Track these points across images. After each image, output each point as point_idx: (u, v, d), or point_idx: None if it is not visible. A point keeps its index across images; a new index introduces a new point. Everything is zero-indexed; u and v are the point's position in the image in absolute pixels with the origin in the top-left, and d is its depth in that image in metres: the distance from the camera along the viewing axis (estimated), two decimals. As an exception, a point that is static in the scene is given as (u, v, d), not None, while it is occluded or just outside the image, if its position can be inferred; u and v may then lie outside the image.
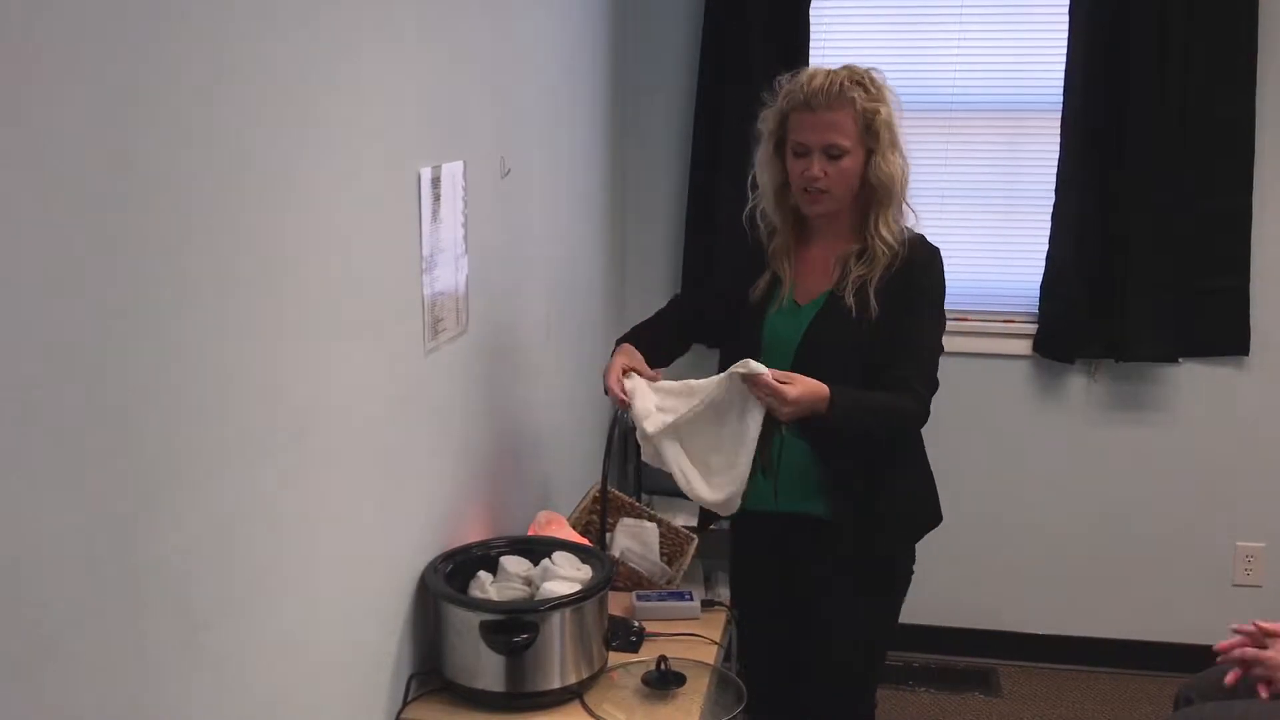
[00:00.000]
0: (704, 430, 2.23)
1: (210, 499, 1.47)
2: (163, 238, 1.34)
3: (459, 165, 2.26)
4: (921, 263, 2.31)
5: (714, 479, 2.23)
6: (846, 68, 2.29)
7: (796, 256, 2.40)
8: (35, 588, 1.17)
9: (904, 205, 2.32)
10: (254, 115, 1.53)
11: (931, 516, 2.53)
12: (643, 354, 2.36)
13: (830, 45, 3.69)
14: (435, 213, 2.15)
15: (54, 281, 1.17)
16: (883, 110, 2.26)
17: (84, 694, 1.26)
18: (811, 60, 3.61)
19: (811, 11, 3.62)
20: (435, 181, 2.15)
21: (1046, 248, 3.66)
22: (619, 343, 2.43)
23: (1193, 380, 3.68)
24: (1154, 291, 3.56)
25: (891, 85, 2.32)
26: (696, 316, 2.55)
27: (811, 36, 3.63)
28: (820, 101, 2.24)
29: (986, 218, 3.79)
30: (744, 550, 2.60)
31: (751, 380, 2.14)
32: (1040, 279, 3.69)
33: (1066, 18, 3.52)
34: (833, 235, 2.36)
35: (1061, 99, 3.56)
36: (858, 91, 2.25)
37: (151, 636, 1.36)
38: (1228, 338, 3.62)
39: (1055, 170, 3.61)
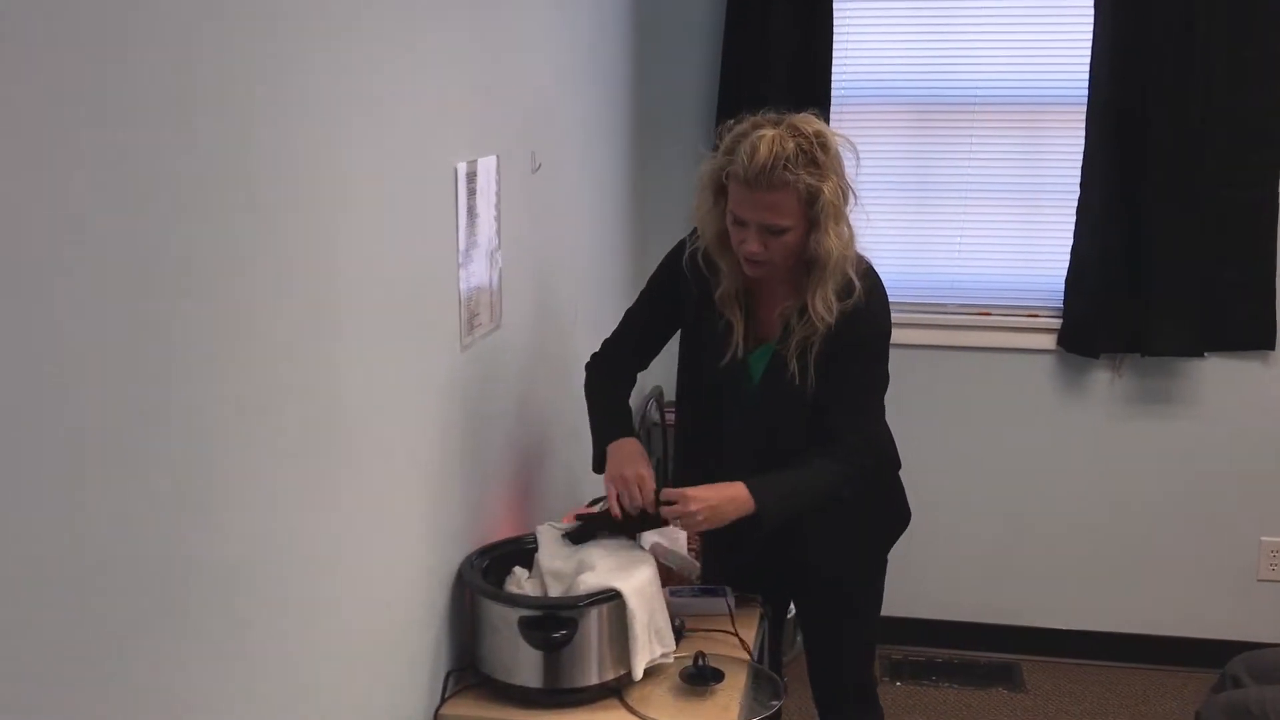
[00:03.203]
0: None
1: (261, 498, 1.47)
2: (212, 242, 1.34)
3: (493, 160, 2.25)
4: (858, 315, 2.18)
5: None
6: (794, 132, 2.09)
7: (752, 298, 2.29)
8: (95, 590, 1.17)
9: (850, 270, 2.16)
10: (298, 115, 1.52)
11: (900, 522, 2.50)
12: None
13: (853, 40, 3.68)
14: (471, 208, 2.15)
15: (106, 286, 1.16)
16: (827, 189, 2.08)
17: (140, 692, 1.25)
18: (835, 53, 3.60)
19: (835, 6, 3.61)
20: (471, 176, 2.14)
21: (1071, 242, 3.65)
22: (610, 432, 2.33)
23: (1217, 374, 3.67)
24: (1179, 285, 3.54)
25: (844, 139, 2.16)
26: (640, 361, 2.49)
27: (835, 32, 3.61)
28: (760, 183, 2.07)
29: (1010, 212, 3.78)
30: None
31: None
32: (1064, 273, 3.68)
33: (1091, 10, 3.50)
34: (782, 282, 2.24)
35: (1086, 92, 3.55)
36: (802, 168, 2.07)
37: (204, 635, 1.36)
38: (1253, 332, 3.60)
39: (1080, 164, 3.60)
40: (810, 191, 2.08)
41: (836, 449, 2.21)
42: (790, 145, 2.07)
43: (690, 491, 2.14)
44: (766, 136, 2.08)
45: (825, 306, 2.16)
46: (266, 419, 1.48)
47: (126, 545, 1.21)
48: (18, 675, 1.06)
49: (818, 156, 2.09)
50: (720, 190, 2.19)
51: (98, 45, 1.12)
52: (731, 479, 2.18)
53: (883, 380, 2.30)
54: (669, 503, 2.16)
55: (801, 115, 2.15)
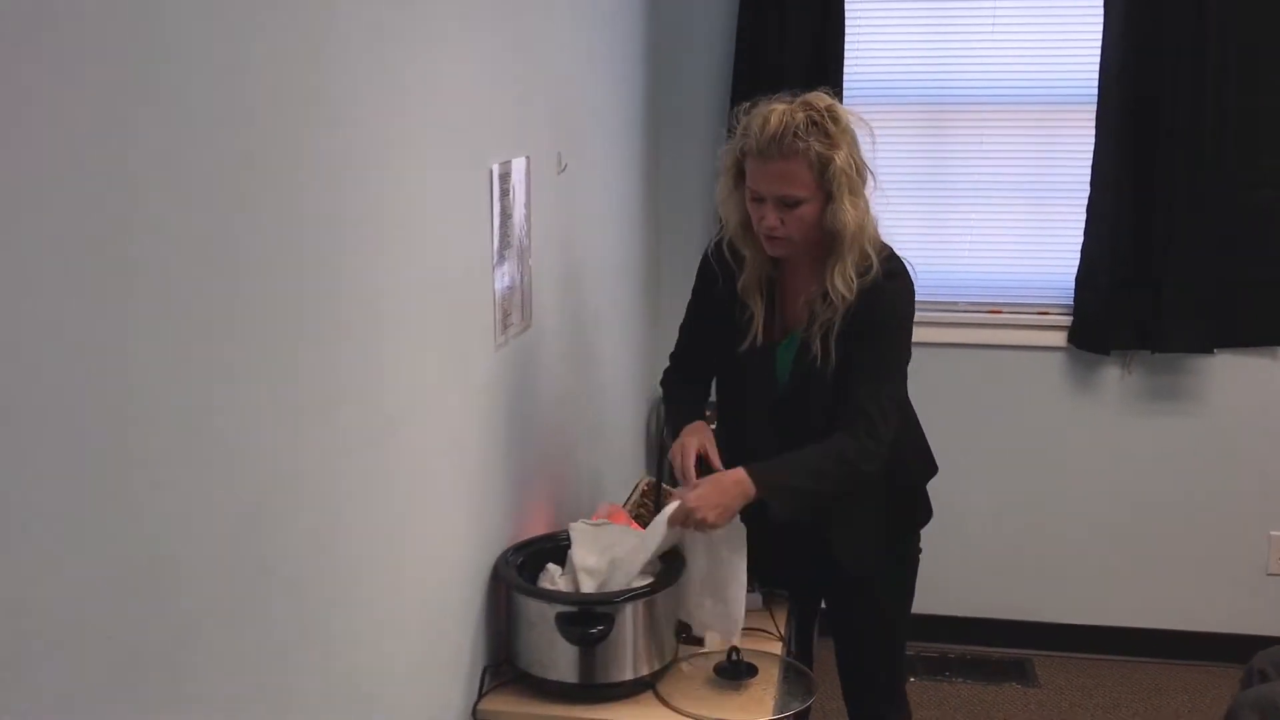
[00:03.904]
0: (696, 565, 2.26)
1: (310, 499, 1.49)
2: (267, 250, 1.36)
3: (524, 161, 2.27)
4: (877, 293, 2.20)
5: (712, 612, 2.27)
6: (805, 105, 2.14)
7: (778, 287, 2.33)
8: (177, 585, 1.19)
9: (868, 245, 2.18)
10: (340, 121, 1.54)
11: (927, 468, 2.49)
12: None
13: (864, 40, 3.71)
14: (504, 208, 2.17)
15: (170, 296, 1.18)
16: (838, 157, 2.11)
17: (218, 683, 1.27)
18: (846, 54, 3.63)
19: (846, 6, 3.64)
20: (504, 177, 2.16)
21: (1081, 239, 3.68)
22: (683, 419, 2.36)
23: (1227, 371, 3.70)
24: (1189, 283, 3.57)
25: (857, 117, 2.20)
26: (708, 369, 2.49)
27: (847, 32, 3.64)
28: (772, 152, 2.11)
29: (1021, 210, 3.81)
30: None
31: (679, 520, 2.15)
32: (1075, 271, 3.71)
33: (1101, 9, 3.53)
34: (806, 270, 2.26)
35: (1096, 91, 3.58)
36: (813, 137, 2.11)
37: (249, 634, 1.38)
38: (1263, 329, 3.64)
39: (1090, 162, 3.63)
40: (821, 160, 2.11)
41: (854, 424, 2.19)
42: (800, 115, 2.13)
43: (685, 495, 2.15)
44: (778, 109, 2.15)
45: (845, 283, 2.17)
46: (334, 421, 1.50)
47: (194, 546, 1.23)
48: (90, 672, 1.08)
49: (828, 127, 2.13)
50: (740, 174, 2.23)
51: (147, 54, 1.14)
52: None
53: (902, 358, 2.29)
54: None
55: (814, 93, 2.20)
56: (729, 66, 3.74)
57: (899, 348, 2.28)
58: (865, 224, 2.18)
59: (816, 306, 2.23)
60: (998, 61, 3.70)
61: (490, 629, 2.18)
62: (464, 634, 2.08)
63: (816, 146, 2.11)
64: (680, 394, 2.48)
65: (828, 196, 2.15)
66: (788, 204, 2.15)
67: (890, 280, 2.21)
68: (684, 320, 2.51)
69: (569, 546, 2.25)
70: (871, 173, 2.22)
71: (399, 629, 1.79)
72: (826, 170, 2.12)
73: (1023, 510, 3.89)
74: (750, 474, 2.15)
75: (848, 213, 2.14)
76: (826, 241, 2.19)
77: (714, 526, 2.15)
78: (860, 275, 2.19)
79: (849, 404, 2.21)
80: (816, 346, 2.22)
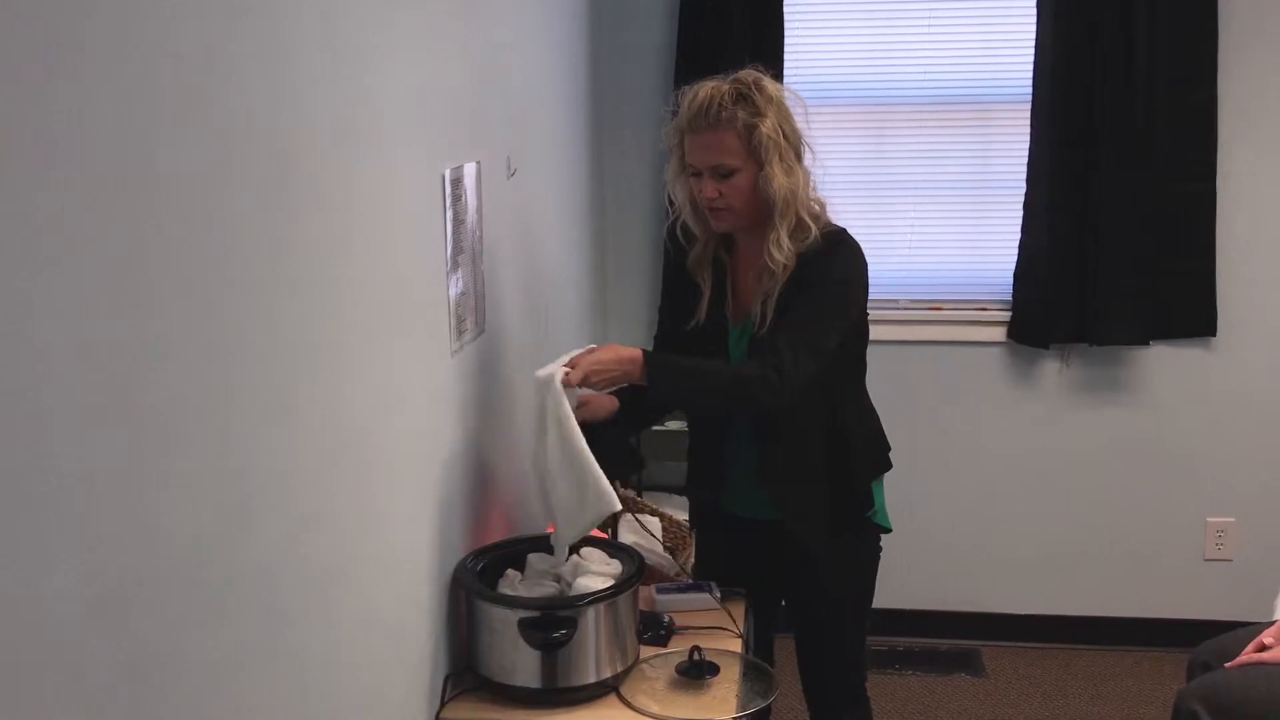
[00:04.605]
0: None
1: (279, 508, 1.47)
2: (226, 261, 1.35)
3: (474, 166, 2.27)
4: (818, 256, 2.23)
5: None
6: (733, 80, 2.22)
7: (730, 269, 2.38)
8: (137, 598, 1.17)
9: (803, 213, 2.22)
10: (293, 122, 1.53)
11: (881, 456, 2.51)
12: (626, 402, 2.37)
13: (803, 42, 3.74)
14: (457, 214, 2.16)
15: (125, 306, 1.17)
16: (764, 125, 2.17)
17: (180, 697, 1.26)
18: (786, 58, 3.67)
19: (785, 8, 3.67)
20: (456, 183, 2.16)
21: (1019, 236, 3.74)
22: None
23: (1163, 362, 3.79)
24: (1124, 276, 3.66)
25: (789, 91, 2.26)
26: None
27: (786, 31, 3.67)
28: (701, 123, 2.20)
29: (959, 208, 3.87)
30: (712, 542, 2.65)
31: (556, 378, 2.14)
32: (1013, 267, 3.77)
33: (1035, 10, 3.60)
34: (756, 249, 2.30)
35: (1031, 91, 3.65)
36: (739, 106, 2.18)
37: (239, 644, 1.37)
38: (1196, 319, 3.73)
39: (1026, 160, 3.69)
40: (748, 127, 2.18)
41: (764, 356, 2.21)
42: (726, 88, 2.21)
43: (582, 357, 2.19)
44: (707, 85, 2.23)
45: (781, 251, 2.22)
46: (278, 434, 1.48)
47: (154, 559, 1.22)
48: (62, 680, 1.07)
49: (753, 96, 2.20)
50: (681, 153, 2.29)
51: (75, 48, 1.13)
52: (736, 446, 2.36)
53: (836, 315, 2.27)
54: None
55: (744, 70, 2.26)
56: (670, 74, 3.76)
57: (833, 305, 2.27)
58: (798, 191, 2.23)
59: (764, 278, 2.27)
60: (935, 62, 3.76)
61: (451, 636, 2.17)
62: (425, 642, 2.07)
63: (743, 115, 2.18)
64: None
65: (759, 165, 2.20)
66: (723, 174, 2.22)
67: (832, 244, 2.26)
68: (660, 302, 2.57)
69: (529, 551, 2.25)
70: (808, 145, 2.27)
71: (360, 639, 1.78)
72: (753, 137, 2.18)
73: (966, 502, 3.95)
74: (645, 355, 2.20)
75: (779, 179, 2.20)
76: (769, 214, 2.24)
77: (591, 388, 2.20)
78: (798, 243, 2.23)
79: (766, 341, 2.24)
80: (756, 313, 2.26)
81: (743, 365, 2.26)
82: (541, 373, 2.16)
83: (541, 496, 2.22)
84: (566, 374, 2.14)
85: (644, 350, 2.22)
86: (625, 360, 2.20)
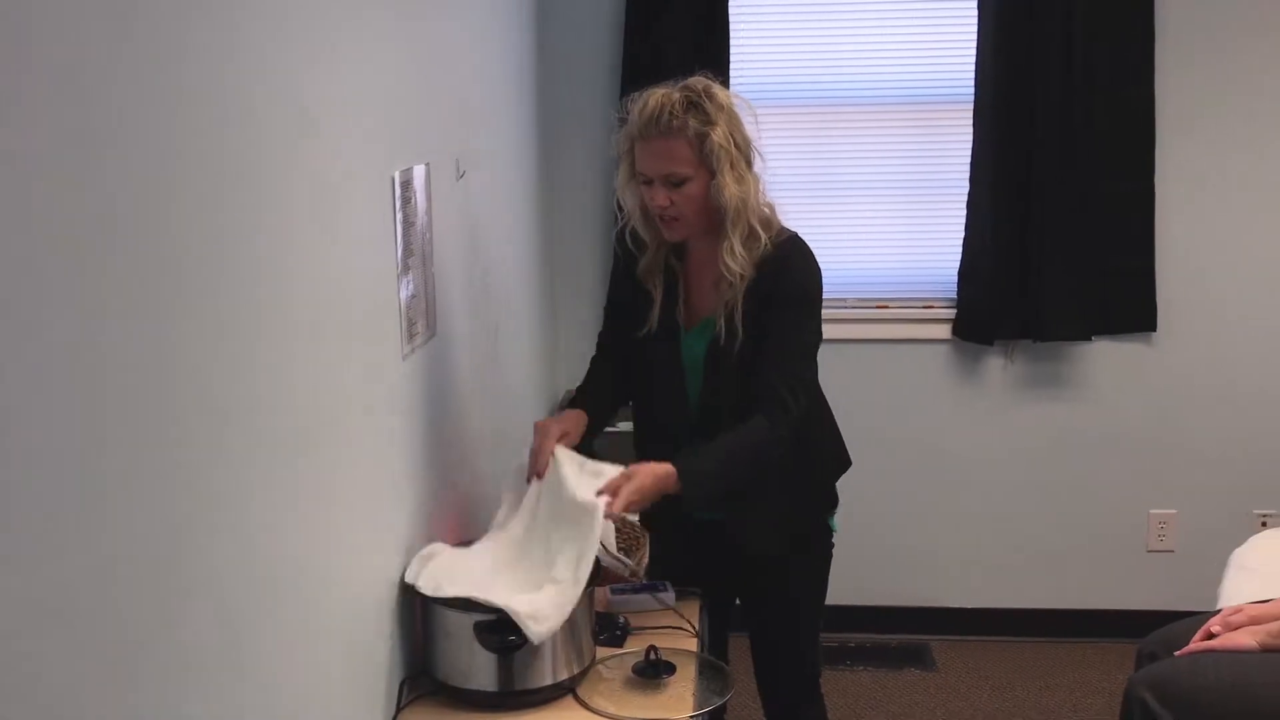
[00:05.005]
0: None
1: (232, 514, 1.46)
2: (171, 265, 1.33)
3: (423, 168, 2.26)
4: (777, 267, 2.25)
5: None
6: (683, 88, 2.21)
7: (683, 275, 2.38)
8: (88, 605, 1.16)
9: (754, 220, 2.23)
10: (241, 121, 1.52)
11: (840, 465, 2.55)
12: (592, 413, 2.38)
13: (748, 43, 3.76)
14: (406, 216, 2.15)
15: (73, 310, 1.15)
16: (715, 133, 2.17)
17: (130, 706, 1.24)
18: (731, 60, 3.68)
19: (730, 9, 3.69)
20: (405, 185, 2.14)
21: (963, 235, 3.79)
22: (568, 407, 2.41)
23: (1105, 357, 3.85)
24: (1066, 273, 3.71)
25: (739, 98, 2.26)
26: (626, 366, 2.49)
27: (731, 34, 3.69)
28: (652, 131, 2.19)
29: (904, 208, 3.91)
30: (666, 542, 2.67)
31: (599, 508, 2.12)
32: (958, 265, 3.82)
33: (975, 11, 3.65)
34: (708, 256, 2.31)
35: (973, 92, 3.69)
36: (690, 115, 2.18)
37: (192, 652, 1.35)
38: (1136, 315, 3.80)
39: (969, 160, 3.74)
40: (699, 135, 2.18)
41: (769, 408, 2.23)
42: (677, 96, 2.20)
43: (624, 486, 2.15)
44: (657, 93, 2.23)
45: (734, 259, 2.23)
46: (228, 438, 1.47)
47: (104, 568, 1.20)
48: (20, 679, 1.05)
49: (704, 105, 2.20)
50: (631, 160, 2.28)
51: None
52: (689, 446, 2.27)
53: (808, 336, 2.32)
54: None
55: (694, 77, 2.26)
56: (617, 77, 3.77)
57: (804, 325, 2.31)
58: (749, 199, 2.23)
59: (721, 288, 2.27)
60: (878, 64, 3.80)
61: (406, 641, 2.15)
62: (380, 647, 2.05)
63: (694, 124, 2.18)
64: (586, 379, 2.52)
65: (710, 173, 2.20)
66: (674, 183, 2.21)
67: (788, 253, 2.27)
68: (605, 303, 2.56)
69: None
70: (758, 151, 2.28)
71: (314, 644, 1.76)
72: (704, 145, 2.18)
73: (913, 498, 3.99)
74: (678, 470, 2.17)
75: (730, 187, 2.20)
76: (720, 222, 2.25)
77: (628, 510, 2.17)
78: (750, 251, 2.24)
79: (761, 383, 2.25)
80: (721, 325, 2.27)
81: (753, 431, 2.23)
82: (583, 498, 2.12)
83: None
84: (609, 503, 2.11)
85: (673, 464, 2.17)
86: (661, 479, 2.16)
